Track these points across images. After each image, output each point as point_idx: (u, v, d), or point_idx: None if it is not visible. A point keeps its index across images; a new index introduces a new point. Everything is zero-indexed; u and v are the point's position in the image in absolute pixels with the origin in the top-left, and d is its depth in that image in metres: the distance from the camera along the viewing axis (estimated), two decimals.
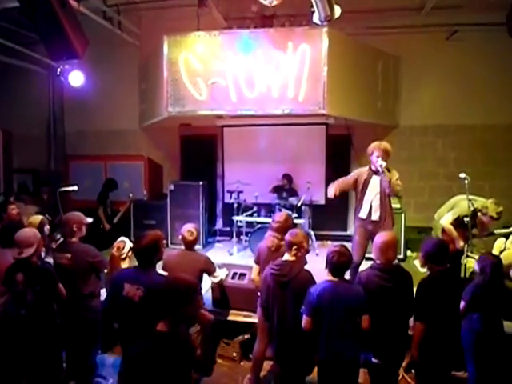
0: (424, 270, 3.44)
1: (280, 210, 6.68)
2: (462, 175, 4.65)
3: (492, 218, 4.39)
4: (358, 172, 4.67)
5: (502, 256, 4.04)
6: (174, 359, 2.13)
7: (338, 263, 2.99)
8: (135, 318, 2.79)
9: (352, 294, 2.97)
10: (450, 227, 4.69)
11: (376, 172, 4.44)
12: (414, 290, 3.23)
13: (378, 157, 4.34)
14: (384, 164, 4.30)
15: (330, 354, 2.95)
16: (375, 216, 4.46)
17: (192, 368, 2.38)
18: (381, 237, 3.26)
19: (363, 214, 4.52)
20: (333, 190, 4.57)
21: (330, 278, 3.04)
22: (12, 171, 8.35)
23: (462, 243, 4.57)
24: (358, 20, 6.80)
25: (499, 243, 4.65)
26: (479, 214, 4.53)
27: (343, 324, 2.91)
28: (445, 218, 4.80)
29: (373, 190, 4.48)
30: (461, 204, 4.72)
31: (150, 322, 2.74)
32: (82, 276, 3.61)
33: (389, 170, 4.42)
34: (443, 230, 4.89)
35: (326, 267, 3.09)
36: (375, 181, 4.47)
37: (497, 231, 4.64)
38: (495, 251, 4.55)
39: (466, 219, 4.39)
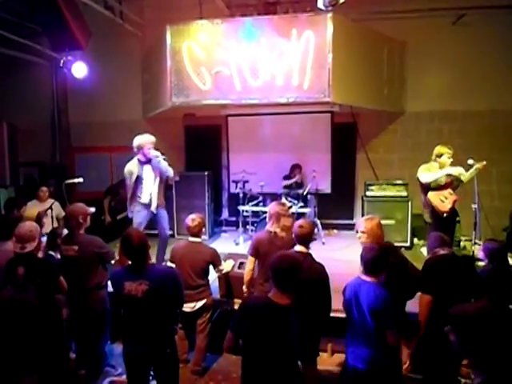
0: None
1: (286, 199, 6.68)
2: (470, 161, 4.64)
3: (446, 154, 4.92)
4: (129, 170, 4.96)
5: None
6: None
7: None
8: (139, 313, 2.82)
9: None
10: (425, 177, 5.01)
11: (148, 161, 4.97)
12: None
13: (149, 149, 4.91)
14: (157, 153, 4.91)
15: None
16: (154, 201, 5.01)
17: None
18: (367, 221, 3.27)
19: (145, 199, 4.99)
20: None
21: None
22: (18, 164, 8.39)
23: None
24: (363, 5, 6.69)
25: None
26: (438, 159, 5.00)
27: None
28: (423, 176, 5.05)
29: (148, 179, 5.01)
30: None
31: (155, 315, 2.78)
32: (89, 267, 3.65)
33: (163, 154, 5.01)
34: (426, 204, 5.08)
35: (377, 273, 2.81)
36: (148, 170, 5.00)
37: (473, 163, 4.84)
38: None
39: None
